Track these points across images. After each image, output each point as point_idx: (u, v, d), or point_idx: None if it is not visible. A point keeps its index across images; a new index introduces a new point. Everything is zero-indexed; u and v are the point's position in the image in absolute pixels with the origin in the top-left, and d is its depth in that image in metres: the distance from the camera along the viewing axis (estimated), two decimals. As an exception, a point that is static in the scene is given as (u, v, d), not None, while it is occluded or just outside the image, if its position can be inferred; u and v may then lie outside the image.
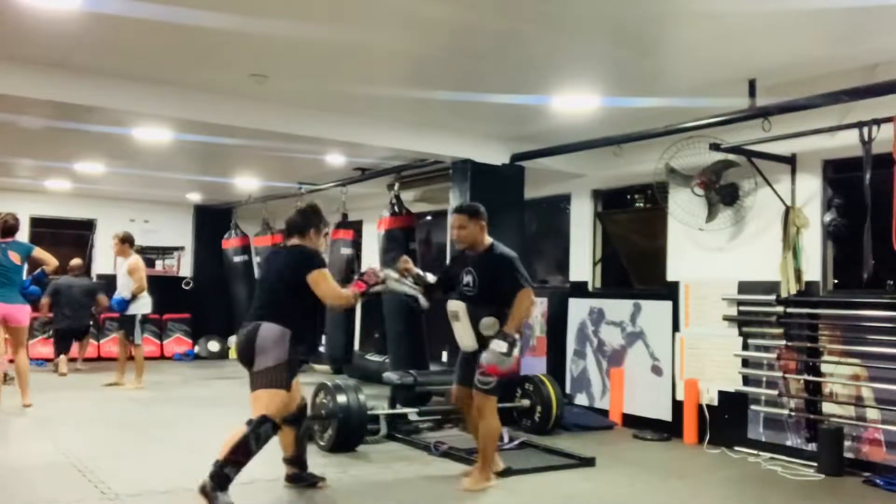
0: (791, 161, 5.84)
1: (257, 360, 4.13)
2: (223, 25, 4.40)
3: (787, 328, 5.79)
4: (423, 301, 4.93)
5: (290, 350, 4.17)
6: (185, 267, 12.82)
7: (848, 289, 5.69)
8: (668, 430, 6.61)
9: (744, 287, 6.17)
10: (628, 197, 7.97)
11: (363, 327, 10.50)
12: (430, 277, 5.03)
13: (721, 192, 6.15)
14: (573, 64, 5.15)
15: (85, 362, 10.44)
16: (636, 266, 7.84)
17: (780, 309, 5.79)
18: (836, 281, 5.81)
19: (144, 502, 4.25)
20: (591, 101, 5.87)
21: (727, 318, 6.25)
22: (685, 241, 6.66)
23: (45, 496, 4.29)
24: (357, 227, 9.99)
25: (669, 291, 6.83)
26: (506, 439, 5.81)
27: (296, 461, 4.61)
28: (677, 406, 6.60)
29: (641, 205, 7.83)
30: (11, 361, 7.15)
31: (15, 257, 6.84)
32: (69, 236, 11.90)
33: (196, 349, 12.29)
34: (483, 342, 4.66)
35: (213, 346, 12.26)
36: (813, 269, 5.74)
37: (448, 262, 5.20)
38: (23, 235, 7.12)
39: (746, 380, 6.08)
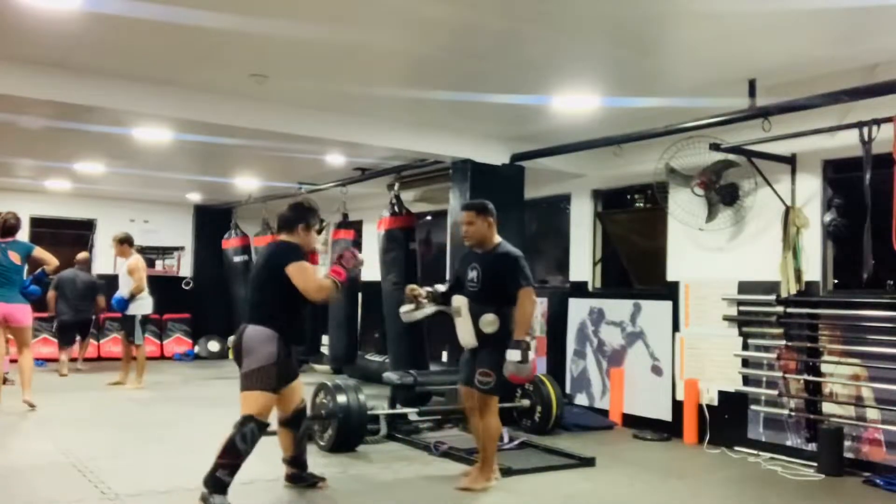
0: (791, 161, 5.84)
1: (245, 361, 4.15)
2: (223, 25, 4.40)
3: (787, 328, 5.79)
4: (448, 310, 4.96)
5: (280, 351, 4.14)
6: (185, 267, 12.82)
7: (848, 289, 5.69)
8: (668, 430, 6.61)
9: (744, 287, 6.17)
10: (628, 197, 7.97)
11: (363, 327, 10.50)
12: (441, 287, 5.05)
13: (721, 192, 6.16)
14: (573, 64, 5.15)
15: (85, 362, 10.44)
16: (636, 266, 7.84)
17: (780, 309, 5.80)
18: (836, 281, 5.81)
19: (144, 502, 4.25)
20: (591, 101, 5.87)
21: (727, 318, 6.25)
22: (685, 241, 6.66)
23: (45, 496, 4.29)
24: (357, 227, 9.99)
25: (669, 291, 6.83)
26: (506, 439, 5.81)
27: (295, 462, 4.61)
28: (677, 406, 6.60)
29: (641, 205, 7.83)
30: (14, 361, 7.14)
31: (15, 257, 6.83)
32: (69, 236, 11.90)
33: (196, 349, 12.29)
34: (483, 339, 4.67)
35: (213, 346, 12.26)
36: (813, 269, 5.74)
37: (457, 262, 5.22)
38: (23, 235, 7.11)
39: (746, 380, 6.08)
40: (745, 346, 6.11)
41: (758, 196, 5.98)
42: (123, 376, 8.80)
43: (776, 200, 5.82)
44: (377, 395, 7.11)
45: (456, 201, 7.33)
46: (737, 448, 6.04)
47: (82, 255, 10.62)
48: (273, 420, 4.46)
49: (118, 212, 12.03)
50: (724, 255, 6.34)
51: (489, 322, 4.64)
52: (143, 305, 8.80)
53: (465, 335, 4.79)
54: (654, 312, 6.97)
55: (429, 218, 10.41)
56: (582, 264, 7.96)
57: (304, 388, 4.58)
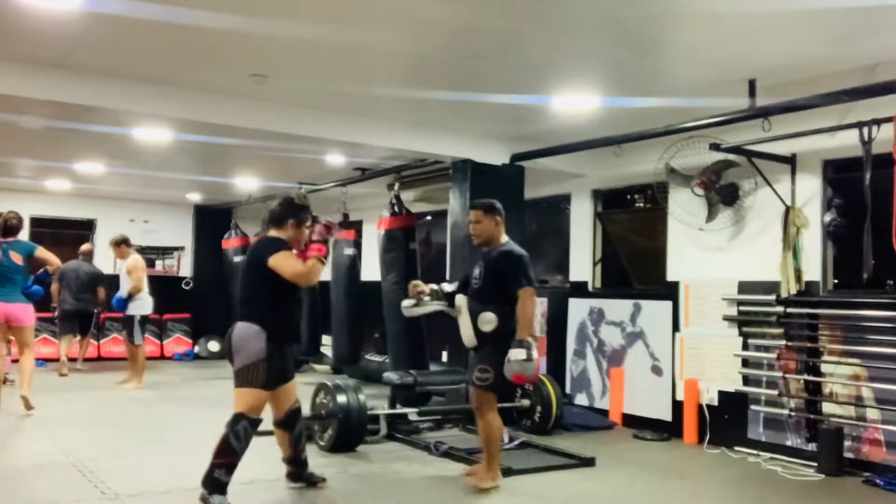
0: (791, 161, 5.84)
1: (235, 359, 4.15)
2: (223, 25, 4.40)
3: (787, 328, 5.79)
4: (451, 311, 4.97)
5: (270, 347, 4.12)
6: (185, 267, 12.83)
7: (848, 289, 5.69)
8: (668, 430, 6.60)
9: (744, 287, 6.17)
10: (628, 197, 7.97)
11: (363, 327, 10.49)
12: (447, 286, 5.07)
13: (721, 192, 6.16)
14: (573, 64, 5.15)
15: (85, 362, 10.44)
16: (636, 266, 7.84)
17: (780, 309, 5.79)
18: (836, 281, 5.80)
19: (144, 502, 4.25)
20: (591, 101, 5.87)
21: (727, 318, 6.25)
22: (685, 241, 6.66)
23: (45, 496, 4.29)
24: (357, 227, 9.99)
25: (669, 291, 6.83)
26: (506, 439, 5.80)
27: (293, 461, 4.61)
28: (677, 406, 6.60)
29: (641, 205, 7.84)
30: (15, 362, 7.13)
31: (16, 257, 6.81)
32: (69, 236, 11.88)
33: (196, 349, 12.30)
34: (482, 338, 4.68)
35: (213, 346, 12.24)
36: (813, 269, 5.74)
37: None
38: (23, 235, 7.08)
39: (746, 380, 6.08)
40: (745, 346, 6.11)
41: (758, 196, 5.98)
42: (130, 375, 8.83)
43: (776, 200, 5.82)
44: (377, 395, 7.11)
45: (456, 201, 7.34)
46: (737, 448, 6.04)
47: (85, 246, 10.68)
48: (268, 421, 4.47)
49: (118, 212, 12.03)
50: (724, 255, 6.34)
51: (487, 321, 4.65)
52: (143, 305, 8.81)
53: (465, 333, 4.81)
54: (654, 312, 6.97)
55: (429, 218, 10.41)
56: (582, 264, 7.96)
57: (298, 388, 4.56)
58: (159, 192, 11.47)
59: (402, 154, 7.57)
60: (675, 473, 5.42)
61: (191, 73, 5.58)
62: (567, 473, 5.24)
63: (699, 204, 6.30)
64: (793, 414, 5.70)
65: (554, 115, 6.29)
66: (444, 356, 7.94)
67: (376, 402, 6.51)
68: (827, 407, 5.57)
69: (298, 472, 4.62)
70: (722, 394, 6.27)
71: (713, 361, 6.37)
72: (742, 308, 6.17)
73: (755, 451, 5.90)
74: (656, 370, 6.90)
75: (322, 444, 5.64)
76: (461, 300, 4.83)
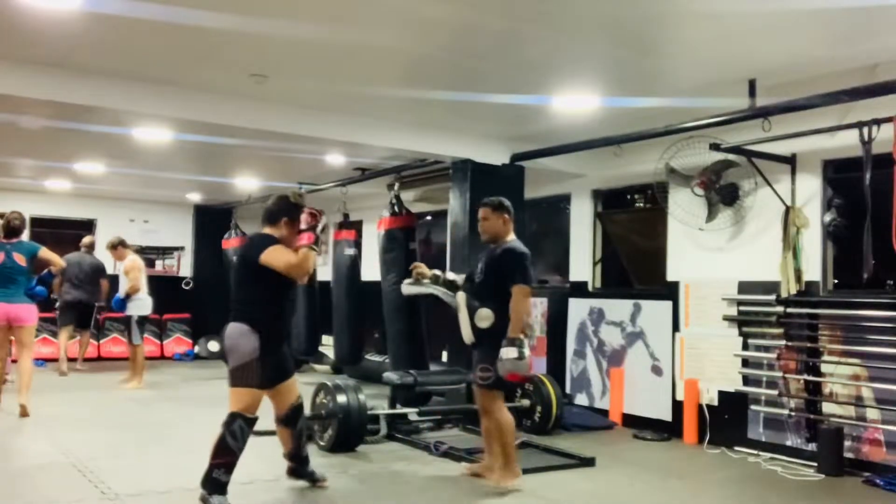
0: (791, 161, 5.84)
1: (229, 359, 4.16)
2: (223, 25, 4.40)
3: (787, 328, 5.79)
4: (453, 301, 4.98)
5: (262, 346, 4.11)
6: (185, 267, 12.82)
7: (848, 289, 5.69)
8: (668, 430, 6.61)
9: (744, 287, 6.17)
10: (628, 197, 7.97)
11: (363, 327, 10.49)
12: (452, 274, 5.11)
13: (721, 192, 6.16)
14: (573, 64, 5.15)
15: (85, 362, 10.43)
16: (636, 266, 7.84)
17: (780, 309, 5.80)
18: (836, 281, 5.81)
19: (144, 502, 4.25)
20: (591, 101, 5.87)
21: (727, 318, 6.25)
22: (685, 241, 6.66)
23: (45, 496, 4.29)
24: (357, 227, 9.98)
25: (669, 291, 6.83)
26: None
27: (294, 457, 4.62)
28: (677, 406, 6.60)
29: (641, 205, 7.84)
30: (15, 362, 7.12)
31: (20, 258, 6.78)
32: (69, 236, 11.86)
33: (196, 349, 12.29)
34: (478, 335, 4.68)
35: (213, 346, 12.22)
36: (813, 269, 5.74)
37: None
38: (23, 235, 7.06)
39: (746, 380, 6.08)
40: (745, 346, 6.11)
41: (758, 196, 5.98)
42: (131, 375, 8.86)
43: (776, 200, 5.82)
44: (377, 395, 7.11)
45: (456, 201, 7.34)
46: (737, 448, 6.04)
47: (88, 238, 10.66)
48: (270, 419, 4.48)
49: (118, 212, 12.04)
50: (724, 255, 6.34)
51: (483, 317, 4.66)
52: (142, 306, 8.81)
53: (463, 330, 4.82)
54: (654, 312, 6.97)
55: (429, 218, 10.41)
56: (582, 264, 7.96)
57: (298, 385, 4.56)
58: (159, 192, 11.47)
59: (402, 154, 7.57)
60: (675, 473, 5.42)
61: (191, 73, 5.58)
62: (567, 473, 5.24)
63: (699, 204, 6.30)
64: (793, 414, 5.70)
65: (554, 115, 6.29)
66: (444, 356, 7.94)
67: (376, 402, 6.51)
68: (827, 407, 5.57)
69: (299, 468, 4.63)
70: (722, 394, 6.27)
71: (713, 361, 6.37)
72: (742, 308, 6.17)
73: (755, 451, 5.90)
74: (656, 370, 6.90)
75: (322, 444, 5.64)
76: (461, 297, 4.85)
